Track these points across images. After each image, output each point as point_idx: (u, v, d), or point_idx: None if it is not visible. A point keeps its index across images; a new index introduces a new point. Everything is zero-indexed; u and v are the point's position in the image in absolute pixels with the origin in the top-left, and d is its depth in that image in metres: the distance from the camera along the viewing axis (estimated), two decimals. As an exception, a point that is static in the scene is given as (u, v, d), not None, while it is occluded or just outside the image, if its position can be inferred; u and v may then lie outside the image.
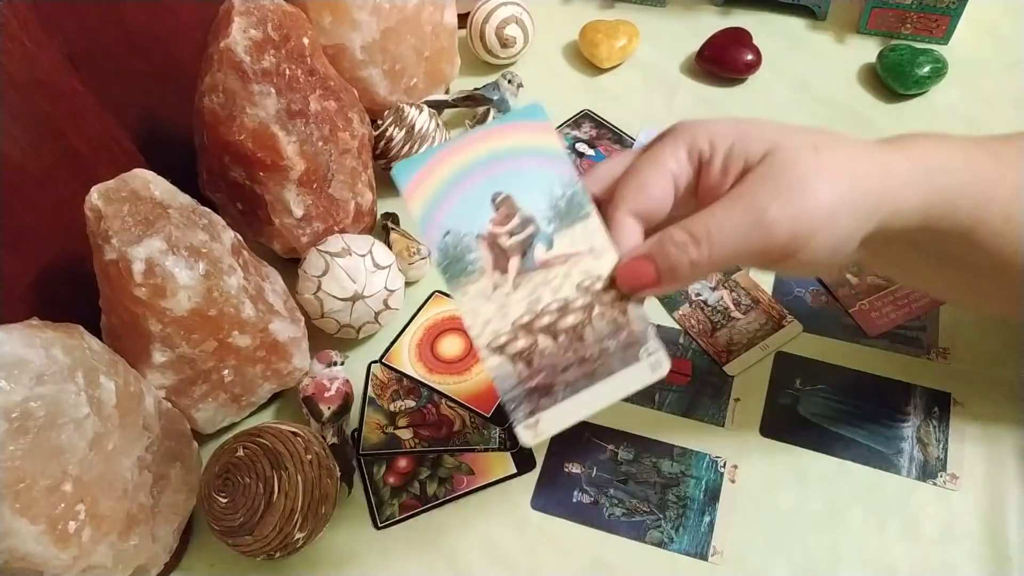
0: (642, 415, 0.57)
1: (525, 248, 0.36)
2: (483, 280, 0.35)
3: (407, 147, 0.70)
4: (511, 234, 0.36)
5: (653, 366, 0.35)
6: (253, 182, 0.59)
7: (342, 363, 0.61)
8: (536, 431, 0.34)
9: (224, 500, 0.50)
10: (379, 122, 0.71)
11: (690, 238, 0.34)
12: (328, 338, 0.63)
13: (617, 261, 0.36)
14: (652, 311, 0.62)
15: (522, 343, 0.35)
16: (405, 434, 0.59)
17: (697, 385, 0.58)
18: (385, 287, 0.61)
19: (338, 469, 0.54)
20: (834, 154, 0.36)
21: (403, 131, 0.69)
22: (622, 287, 0.35)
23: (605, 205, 0.37)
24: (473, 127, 0.75)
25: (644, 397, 0.58)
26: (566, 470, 0.56)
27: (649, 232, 0.37)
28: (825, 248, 0.35)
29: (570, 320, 0.35)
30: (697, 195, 0.37)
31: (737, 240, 0.34)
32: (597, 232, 0.36)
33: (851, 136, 0.37)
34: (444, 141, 0.72)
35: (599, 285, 0.36)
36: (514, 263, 0.36)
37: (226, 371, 0.55)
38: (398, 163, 0.36)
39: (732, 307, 0.62)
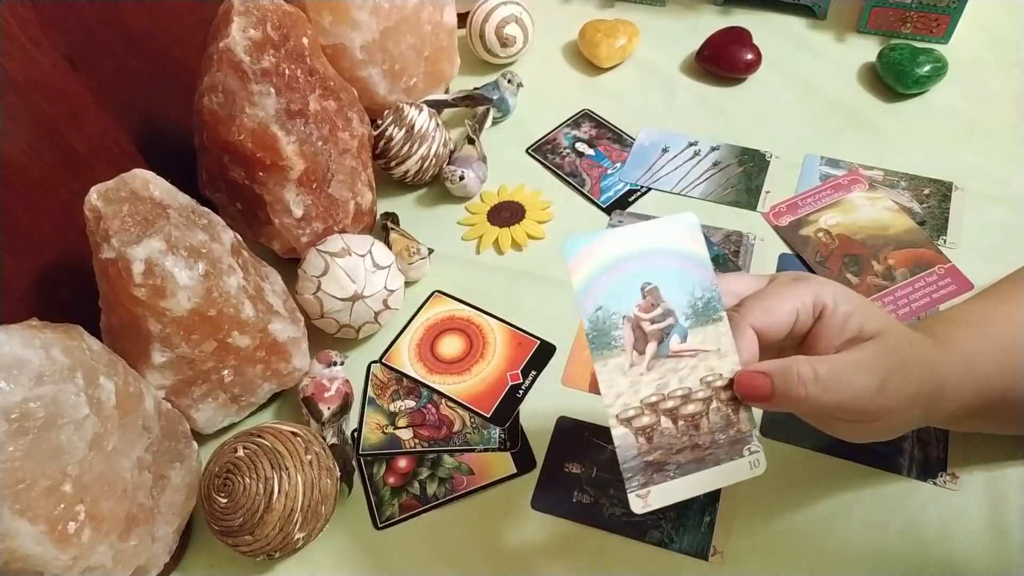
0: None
1: (663, 336, 0.40)
2: (622, 357, 0.39)
3: (407, 147, 0.70)
4: (653, 321, 0.40)
5: (752, 464, 0.39)
6: (253, 182, 0.59)
7: (342, 363, 0.61)
8: (646, 501, 0.38)
9: (224, 500, 0.50)
10: (379, 122, 0.71)
11: (813, 377, 0.38)
12: (328, 338, 0.63)
13: (737, 365, 0.40)
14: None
15: (647, 420, 0.39)
16: (405, 434, 0.59)
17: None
18: (385, 287, 0.61)
19: (338, 469, 0.54)
20: (922, 353, 0.42)
21: (403, 131, 0.69)
22: (738, 392, 0.39)
23: (730, 314, 0.41)
24: (474, 128, 0.75)
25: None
26: (566, 470, 0.56)
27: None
28: (895, 424, 0.41)
29: (690, 408, 0.39)
30: (806, 339, 0.41)
31: (848, 395, 0.38)
32: (725, 336, 0.40)
33: (914, 335, 0.43)
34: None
35: (719, 383, 0.39)
36: (651, 347, 0.39)
37: (226, 371, 0.55)
38: (568, 238, 0.40)
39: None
